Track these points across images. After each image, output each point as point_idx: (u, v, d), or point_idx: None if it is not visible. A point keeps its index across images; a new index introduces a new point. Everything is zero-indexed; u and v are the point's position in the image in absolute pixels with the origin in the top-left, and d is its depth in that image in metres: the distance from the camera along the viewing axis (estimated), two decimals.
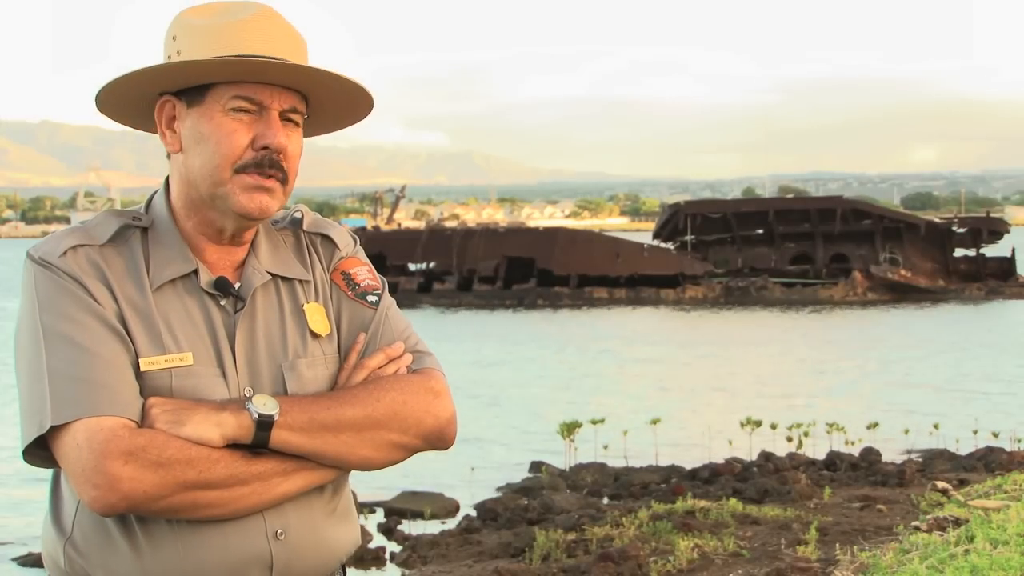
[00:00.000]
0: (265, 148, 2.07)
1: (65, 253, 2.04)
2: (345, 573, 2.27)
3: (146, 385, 2.01)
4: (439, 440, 2.17)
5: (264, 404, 2.01)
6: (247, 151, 2.07)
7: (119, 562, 2.02)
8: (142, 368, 2.02)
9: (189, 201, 2.12)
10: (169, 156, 2.16)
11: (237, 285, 2.14)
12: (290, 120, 2.12)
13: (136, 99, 2.14)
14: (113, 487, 1.92)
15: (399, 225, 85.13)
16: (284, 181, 2.11)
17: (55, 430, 1.95)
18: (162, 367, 2.03)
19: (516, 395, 24.05)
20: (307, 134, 2.22)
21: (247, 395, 2.06)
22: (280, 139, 2.08)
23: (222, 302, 2.12)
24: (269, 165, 2.08)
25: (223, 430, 1.98)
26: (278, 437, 2.01)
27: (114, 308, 2.03)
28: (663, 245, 56.20)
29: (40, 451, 2.01)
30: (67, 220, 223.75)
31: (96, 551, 2.04)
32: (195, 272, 2.10)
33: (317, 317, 2.18)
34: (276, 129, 2.08)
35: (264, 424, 2.00)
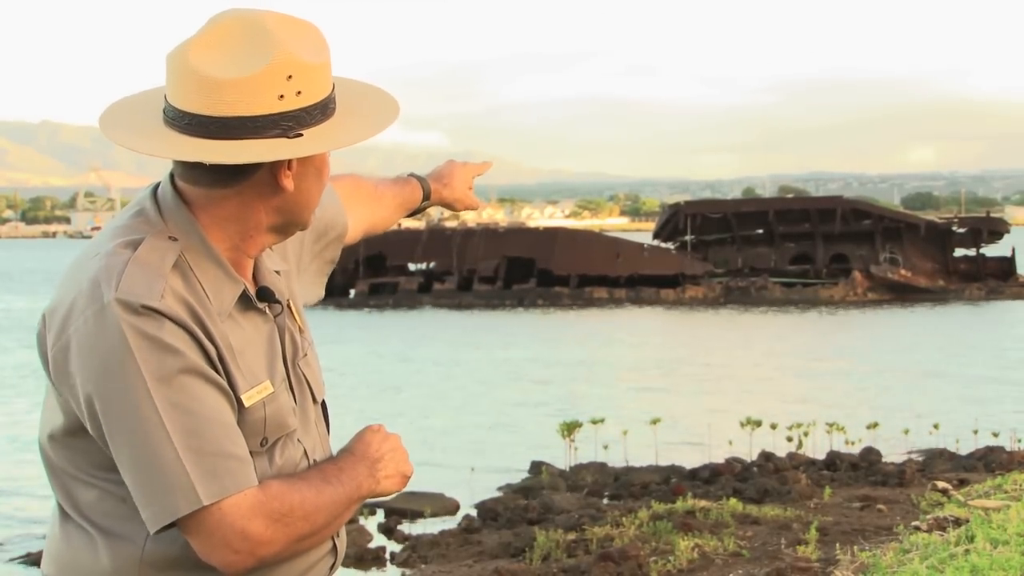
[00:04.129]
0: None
1: (163, 295, 1.93)
2: None
3: (246, 419, 2.00)
4: None
5: None
6: None
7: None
8: (246, 404, 2.00)
9: (256, 230, 2.07)
10: (219, 185, 2.03)
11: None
12: None
13: None
14: (253, 552, 1.94)
15: (399, 225, 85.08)
16: None
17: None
18: (256, 400, 2.03)
19: (516, 395, 24.06)
20: None
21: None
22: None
23: (266, 311, 2.11)
24: None
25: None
26: None
27: (213, 350, 1.97)
28: (663, 245, 56.22)
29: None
30: (67, 220, 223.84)
31: (183, 567, 2.00)
32: (244, 289, 2.07)
33: (299, 310, 2.25)
34: None
35: None
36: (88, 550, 2.03)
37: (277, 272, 2.19)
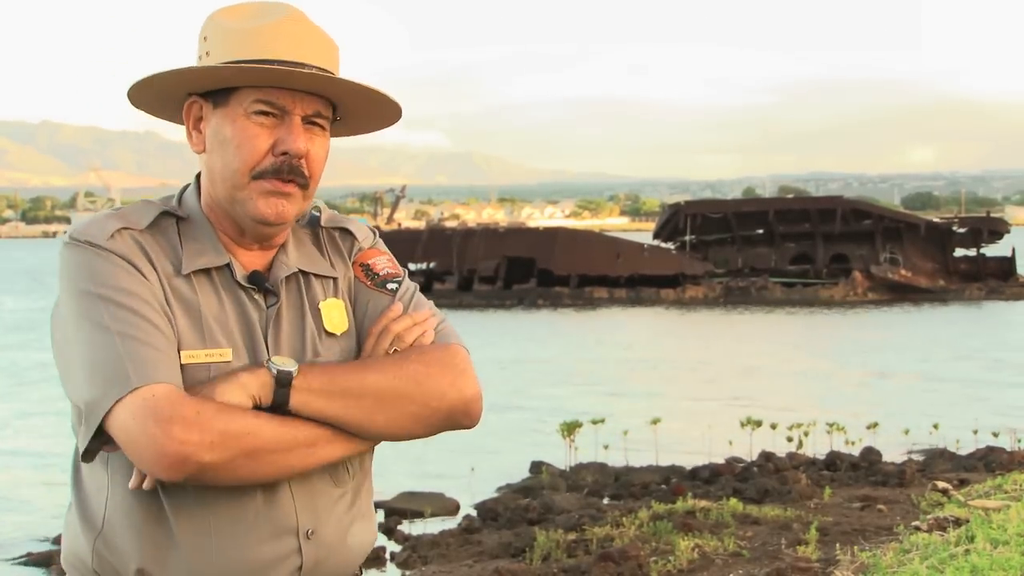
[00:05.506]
0: (284, 154, 2.07)
1: (112, 236, 2.04)
2: (362, 573, 2.28)
3: (185, 377, 2.01)
4: (464, 416, 2.18)
5: (283, 362, 2.03)
6: (267, 156, 2.07)
7: (152, 558, 2.02)
8: (183, 360, 2.01)
9: (214, 201, 2.13)
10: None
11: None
12: (315, 124, 2.11)
13: (169, 96, 2.16)
14: (184, 454, 1.91)
15: (399, 225, 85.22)
16: (304, 186, 2.10)
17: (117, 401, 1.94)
18: (202, 361, 2.03)
19: (516, 395, 24.04)
20: (337, 135, 2.22)
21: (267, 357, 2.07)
22: (299, 145, 2.07)
23: (256, 296, 2.12)
24: (288, 171, 2.07)
25: (248, 391, 1.99)
26: (298, 399, 2.02)
27: (161, 293, 2.03)
28: (663, 245, 56.22)
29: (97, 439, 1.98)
30: (67, 220, 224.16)
31: (129, 546, 2.02)
32: (228, 265, 2.11)
33: (334, 314, 2.19)
34: (297, 135, 2.07)
35: (283, 380, 2.01)
36: (75, 521, 2.10)
37: (306, 272, 2.19)
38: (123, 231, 2.05)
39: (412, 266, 55.22)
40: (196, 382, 2.01)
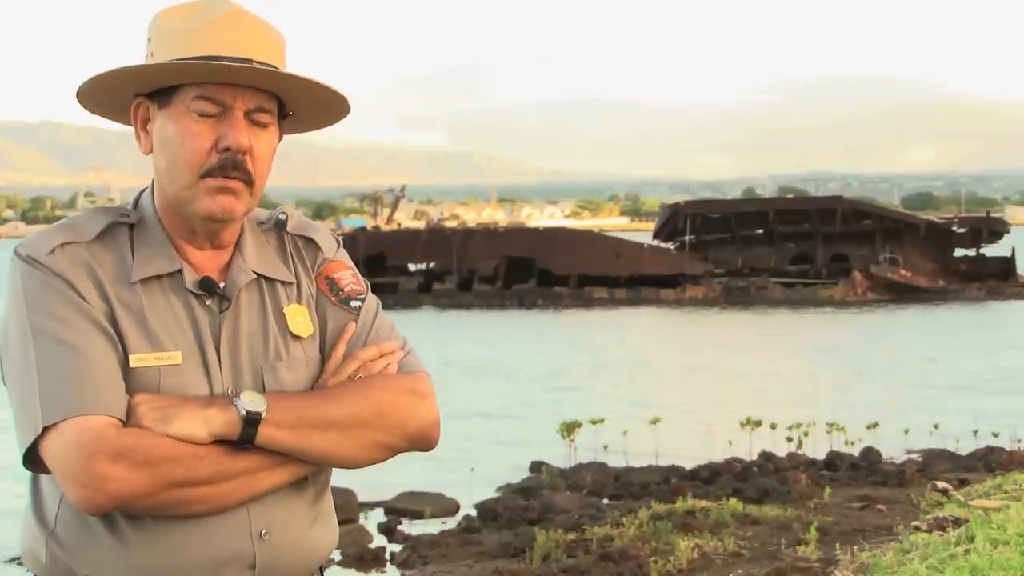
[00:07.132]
0: (227, 150, 2.05)
1: (53, 251, 2.03)
2: (323, 574, 2.27)
3: (134, 382, 2.01)
4: (423, 442, 2.18)
5: (252, 401, 2.01)
6: (211, 154, 2.05)
7: (103, 557, 2.02)
8: (131, 364, 2.01)
9: (165, 202, 2.12)
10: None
11: (222, 285, 2.13)
12: (256, 121, 2.09)
13: (117, 97, 2.14)
14: (100, 488, 1.92)
15: (399, 225, 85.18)
16: (250, 183, 2.08)
17: (44, 430, 1.95)
18: (151, 364, 2.02)
19: (516, 395, 24.05)
20: (290, 132, 2.21)
21: (234, 392, 2.05)
22: (241, 139, 2.05)
23: (208, 302, 2.11)
24: (233, 167, 2.06)
25: (210, 427, 1.98)
26: (264, 434, 2.01)
27: (102, 306, 2.02)
28: (663, 245, 56.29)
29: (36, 455, 2.00)
30: None
31: (80, 546, 2.03)
32: (180, 271, 2.10)
33: (299, 319, 2.18)
34: (238, 129, 2.05)
35: (251, 421, 2.00)
36: (30, 518, 2.13)
37: (258, 275, 2.17)
38: (66, 246, 2.04)
39: (412, 266, 55.30)
40: (146, 386, 2.01)
